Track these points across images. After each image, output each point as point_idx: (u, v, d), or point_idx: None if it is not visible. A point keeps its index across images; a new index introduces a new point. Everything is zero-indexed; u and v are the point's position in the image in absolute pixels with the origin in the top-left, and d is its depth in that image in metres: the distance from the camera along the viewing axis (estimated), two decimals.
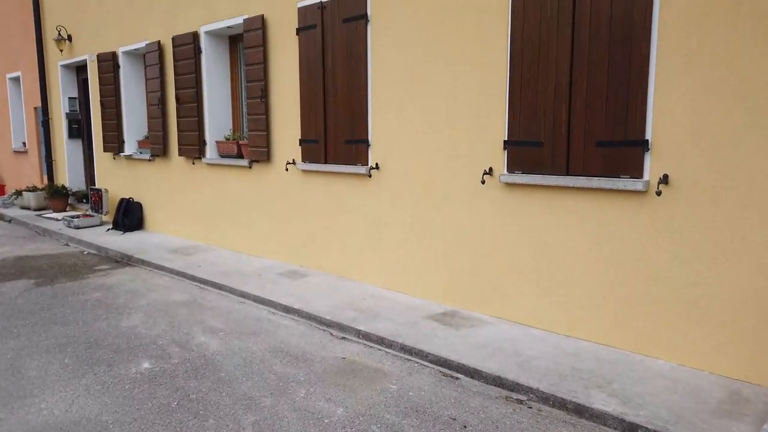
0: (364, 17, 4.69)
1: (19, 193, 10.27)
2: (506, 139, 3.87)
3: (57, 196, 9.41)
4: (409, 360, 3.49)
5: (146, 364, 3.47)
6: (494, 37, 3.88)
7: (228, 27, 6.14)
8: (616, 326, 3.46)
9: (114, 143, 8.09)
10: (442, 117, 4.26)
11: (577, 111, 3.48)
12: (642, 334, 3.35)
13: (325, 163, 5.19)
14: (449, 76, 4.18)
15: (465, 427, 2.68)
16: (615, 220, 3.41)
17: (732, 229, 2.97)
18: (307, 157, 5.36)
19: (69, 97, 9.45)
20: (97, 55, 8.20)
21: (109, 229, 7.86)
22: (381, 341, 3.71)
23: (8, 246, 7.27)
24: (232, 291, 4.99)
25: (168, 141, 7.15)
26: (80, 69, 9.36)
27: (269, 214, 5.93)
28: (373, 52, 4.69)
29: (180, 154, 6.88)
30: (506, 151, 3.88)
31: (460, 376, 3.24)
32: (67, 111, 9.49)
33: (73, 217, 8.23)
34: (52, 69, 9.59)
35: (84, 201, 9.53)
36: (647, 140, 3.22)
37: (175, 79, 6.75)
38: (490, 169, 3.99)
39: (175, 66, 6.73)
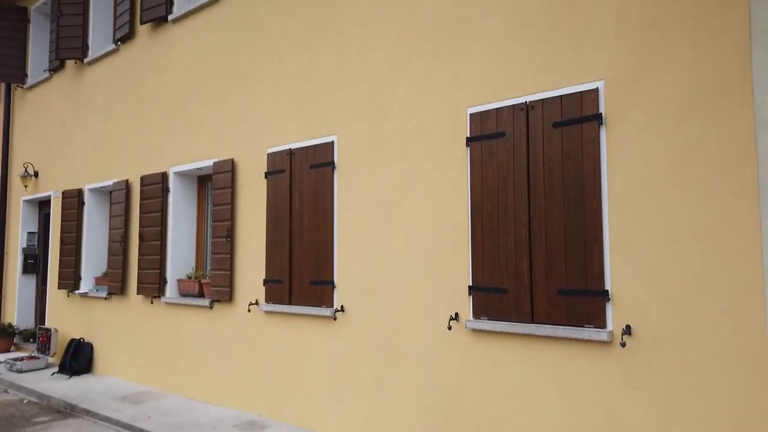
0: (331, 164, 4.89)
1: None
2: (471, 284, 3.90)
3: (2, 336, 8.87)
4: None
5: None
6: (456, 186, 4.05)
7: (198, 168, 6.29)
8: None
9: (70, 280, 7.84)
10: (408, 261, 4.30)
11: (538, 260, 3.57)
12: None
13: (290, 304, 5.10)
14: (414, 222, 4.29)
15: None
16: (583, 369, 3.37)
17: (697, 378, 2.95)
18: (270, 298, 5.27)
19: (28, 232, 9.29)
20: (63, 192, 8.21)
21: (54, 373, 7.34)
22: None
23: None
24: None
25: (127, 279, 6.98)
26: (43, 204, 9.31)
27: (229, 357, 5.67)
28: (339, 197, 4.83)
29: (138, 293, 6.68)
30: (471, 297, 3.89)
31: None
32: (25, 246, 9.28)
33: (16, 359, 7.70)
34: (14, 204, 9.52)
35: (32, 340, 9.00)
36: (607, 290, 3.29)
37: (140, 216, 6.75)
38: (456, 314, 3.97)
39: (141, 204, 6.76)
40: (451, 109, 4.12)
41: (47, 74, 8.82)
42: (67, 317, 8.02)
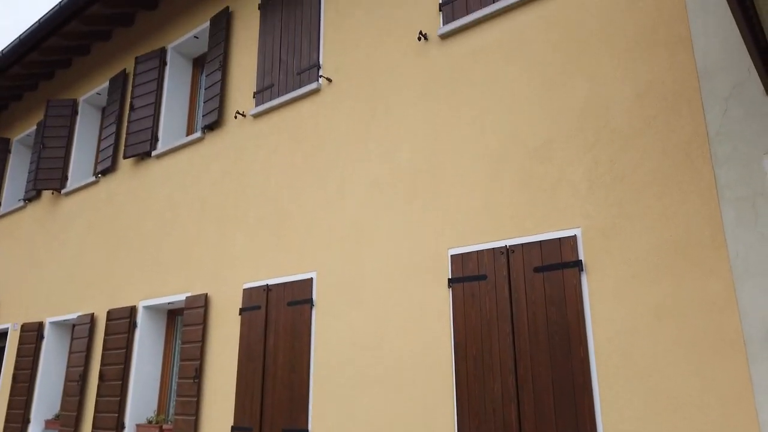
0: (309, 302, 4.79)
1: None
2: None
3: None
4: None
5: None
6: (439, 328, 3.97)
7: (169, 303, 6.10)
8: None
9: (17, 423, 7.19)
10: (389, 411, 4.08)
11: (527, 409, 3.41)
12: None
13: None
14: (395, 366, 4.13)
15: None
16: None
17: None
18: None
19: None
20: (22, 325, 7.80)
21: None
22: None
23: None
24: None
25: (81, 423, 6.43)
26: (1, 337, 8.80)
27: None
28: (316, 337, 4.67)
29: None
30: None
31: None
32: None
33: None
34: None
35: None
36: None
37: (103, 354, 6.38)
38: None
39: (105, 340, 6.43)
40: (431, 249, 4.16)
41: (22, 203, 8.77)
42: None
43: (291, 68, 5.64)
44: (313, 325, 4.73)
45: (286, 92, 5.58)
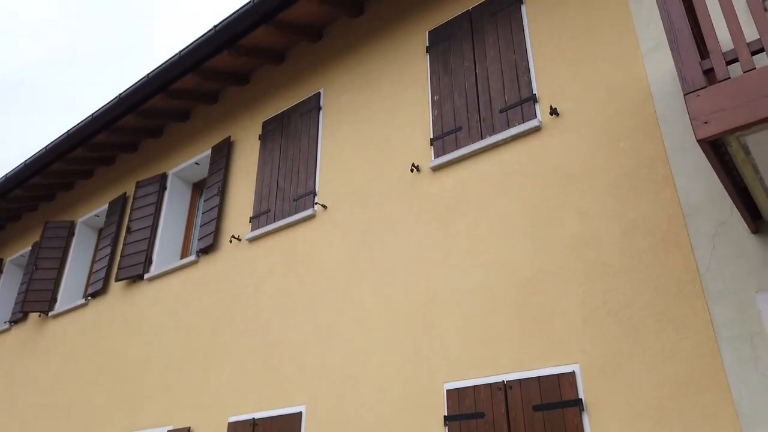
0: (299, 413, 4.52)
1: None
2: None
3: None
4: None
5: None
6: None
7: None
8: None
9: None
10: None
11: None
12: None
13: None
14: None
15: None
16: None
17: None
18: None
19: None
20: None
21: None
22: None
23: None
24: None
25: None
26: None
27: None
28: None
29: None
30: None
31: None
32: None
33: None
34: None
35: None
36: None
37: None
38: None
39: None
40: (426, 384, 4.01)
41: (6, 325, 8.56)
42: None
43: (288, 194, 5.78)
44: None
45: (282, 218, 5.68)
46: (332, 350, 4.67)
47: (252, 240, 5.86)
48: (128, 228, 7.18)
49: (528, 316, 3.73)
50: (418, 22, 5.49)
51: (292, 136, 6.09)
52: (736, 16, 2.55)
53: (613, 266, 3.49)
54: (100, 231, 8.43)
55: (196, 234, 7.11)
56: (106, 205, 7.96)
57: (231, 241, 6.04)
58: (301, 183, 5.74)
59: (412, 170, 4.81)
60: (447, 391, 3.87)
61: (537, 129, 4.20)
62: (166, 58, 6.53)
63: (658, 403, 3.04)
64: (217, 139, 6.97)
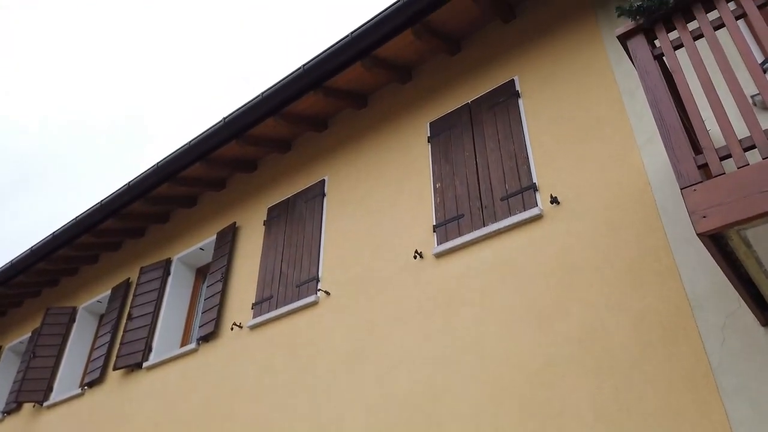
0: None
1: None
2: None
3: None
4: None
5: None
6: None
7: None
8: None
9: None
10: None
11: None
12: None
13: None
14: None
15: None
16: None
17: None
18: None
19: None
20: None
21: None
22: None
23: None
24: None
25: None
26: None
27: None
28: None
29: None
30: None
31: None
32: None
33: None
34: None
35: None
36: None
37: None
38: None
39: None
40: None
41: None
42: None
43: (291, 281, 5.76)
44: None
45: (285, 304, 5.62)
46: None
47: (254, 327, 5.78)
48: (129, 314, 7.10)
49: (537, 412, 3.59)
50: (419, 113, 5.69)
51: (297, 222, 6.16)
52: (726, 114, 2.64)
53: (622, 359, 3.40)
54: (101, 317, 8.34)
55: (197, 321, 7.02)
56: (109, 291, 7.93)
57: (232, 329, 5.95)
58: (304, 269, 5.73)
59: (415, 257, 4.81)
60: None
61: (538, 217, 4.24)
62: (176, 148, 6.71)
63: None
64: (222, 224, 7.04)
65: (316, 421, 4.70)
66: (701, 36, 2.92)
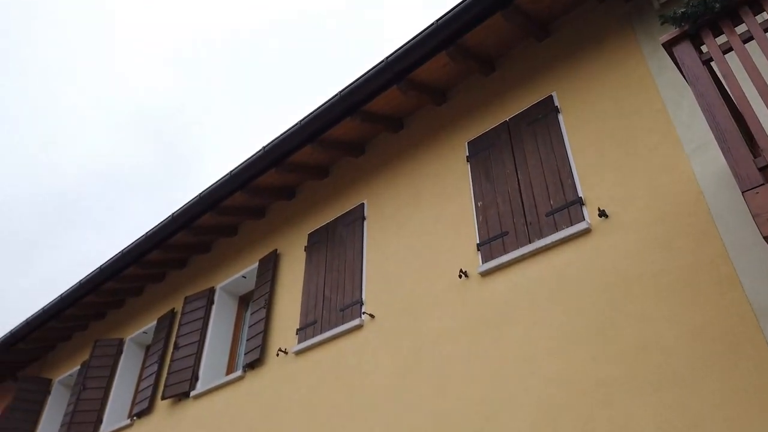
0: None
1: None
2: None
3: None
4: None
5: None
6: None
7: None
8: None
9: None
10: None
11: None
12: None
13: None
14: None
15: None
16: None
17: None
18: None
19: None
20: None
21: None
22: None
23: None
24: None
25: None
26: None
27: None
28: None
29: None
30: None
31: None
32: None
33: None
34: None
35: None
36: None
37: None
38: None
39: None
40: None
41: None
42: None
43: (334, 305, 5.77)
44: None
45: (329, 328, 5.63)
46: None
47: (299, 353, 5.79)
48: (176, 344, 7.20)
49: (597, 430, 3.48)
50: (457, 134, 5.71)
51: (337, 246, 6.19)
52: None
53: (684, 374, 3.28)
54: (148, 348, 8.48)
55: (242, 348, 7.07)
56: (155, 322, 8.07)
57: (278, 355, 5.97)
58: (347, 293, 5.74)
59: (460, 276, 4.78)
60: None
61: (587, 231, 4.17)
62: (217, 178, 6.87)
63: None
64: (263, 252, 7.13)
65: None
66: (751, 39, 2.88)
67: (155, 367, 7.39)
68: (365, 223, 6.09)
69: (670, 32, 3.13)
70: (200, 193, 6.94)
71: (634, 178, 4.17)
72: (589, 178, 4.41)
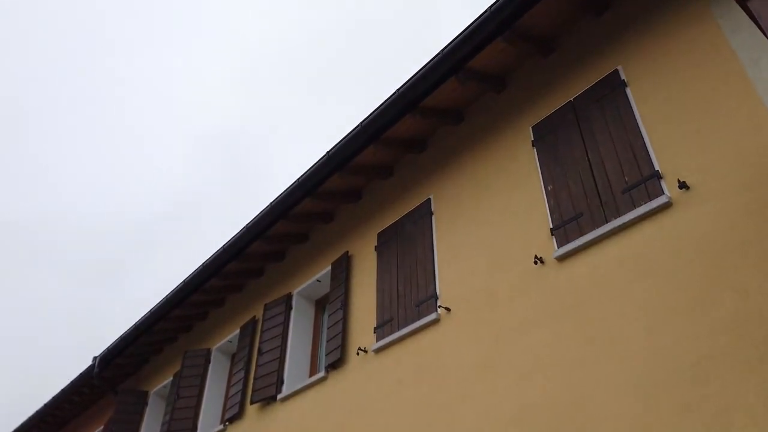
0: None
1: None
2: None
3: None
4: None
5: None
6: None
7: None
8: None
9: None
10: None
11: None
12: None
13: None
14: None
15: None
16: None
17: None
18: None
19: None
20: None
21: None
22: None
23: None
24: None
25: None
26: None
27: None
28: None
29: None
30: None
31: None
32: None
33: None
34: None
35: None
36: None
37: None
38: None
39: None
40: None
41: None
42: None
43: (409, 301, 5.80)
44: None
45: (406, 325, 5.66)
46: None
47: (378, 351, 5.85)
48: (259, 350, 7.45)
49: (699, 411, 3.32)
50: (520, 119, 5.62)
51: (407, 243, 6.22)
52: None
53: None
54: (233, 356, 8.81)
55: (322, 350, 7.22)
56: (238, 330, 8.38)
57: (358, 354, 6.07)
58: (421, 288, 5.76)
59: (535, 262, 4.69)
60: None
61: (668, 205, 4.00)
62: (285, 187, 7.07)
63: None
64: (335, 255, 7.26)
65: None
66: None
67: (242, 374, 7.68)
68: (433, 218, 6.09)
69: None
70: (271, 203, 7.17)
71: (715, 146, 3.96)
72: (665, 150, 4.23)
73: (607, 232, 4.27)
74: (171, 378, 9.55)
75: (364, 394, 5.76)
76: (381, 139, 6.34)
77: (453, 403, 4.81)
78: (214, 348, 8.84)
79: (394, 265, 6.24)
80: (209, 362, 8.74)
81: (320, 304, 7.73)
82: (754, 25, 3.62)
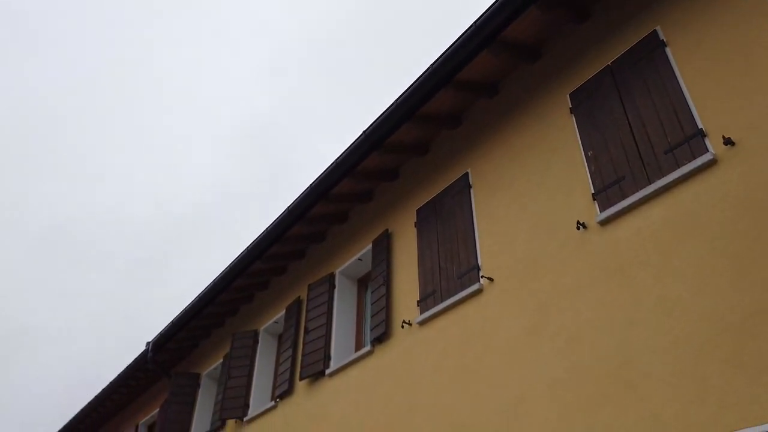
0: None
1: None
2: None
3: None
4: None
5: None
6: None
7: None
8: None
9: None
10: None
11: None
12: None
13: None
14: None
15: None
16: None
17: None
18: None
19: None
20: None
21: None
22: None
23: None
24: None
25: None
26: None
27: None
28: None
29: None
30: None
31: None
32: None
33: None
34: None
35: None
36: None
37: None
38: None
39: None
40: None
41: None
42: None
43: (451, 274, 5.88)
44: None
45: (449, 296, 5.75)
46: (525, 428, 4.46)
47: (422, 323, 5.97)
48: (306, 328, 7.67)
49: (748, 364, 3.33)
50: (556, 88, 5.59)
51: (447, 217, 6.29)
52: None
53: None
54: (280, 336, 9.07)
55: (367, 326, 7.39)
56: (284, 311, 8.62)
57: (402, 327, 6.19)
58: (462, 260, 5.83)
59: (578, 228, 4.71)
60: None
61: (713, 163, 3.97)
62: (323, 169, 7.21)
63: None
64: (375, 233, 7.39)
65: (499, 403, 4.73)
66: None
67: (290, 352, 7.91)
68: (471, 191, 6.14)
69: None
70: (310, 185, 7.32)
71: (760, 100, 3.90)
72: (708, 108, 4.18)
73: (651, 193, 4.26)
74: (221, 360, 9.89)
75: (410, 365, 5.89)
76: (416, 116, 6.39)
77: (499, 370, 4.89)
78: (261, 329, 9.11)
79: (434, 239, 6.32)
80: (257, 342, 9.02)
81: (362, 283, 7.89)
82: None
